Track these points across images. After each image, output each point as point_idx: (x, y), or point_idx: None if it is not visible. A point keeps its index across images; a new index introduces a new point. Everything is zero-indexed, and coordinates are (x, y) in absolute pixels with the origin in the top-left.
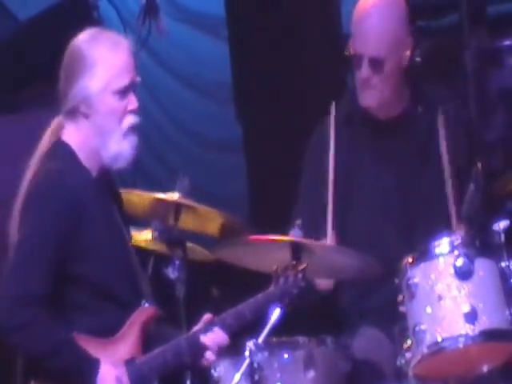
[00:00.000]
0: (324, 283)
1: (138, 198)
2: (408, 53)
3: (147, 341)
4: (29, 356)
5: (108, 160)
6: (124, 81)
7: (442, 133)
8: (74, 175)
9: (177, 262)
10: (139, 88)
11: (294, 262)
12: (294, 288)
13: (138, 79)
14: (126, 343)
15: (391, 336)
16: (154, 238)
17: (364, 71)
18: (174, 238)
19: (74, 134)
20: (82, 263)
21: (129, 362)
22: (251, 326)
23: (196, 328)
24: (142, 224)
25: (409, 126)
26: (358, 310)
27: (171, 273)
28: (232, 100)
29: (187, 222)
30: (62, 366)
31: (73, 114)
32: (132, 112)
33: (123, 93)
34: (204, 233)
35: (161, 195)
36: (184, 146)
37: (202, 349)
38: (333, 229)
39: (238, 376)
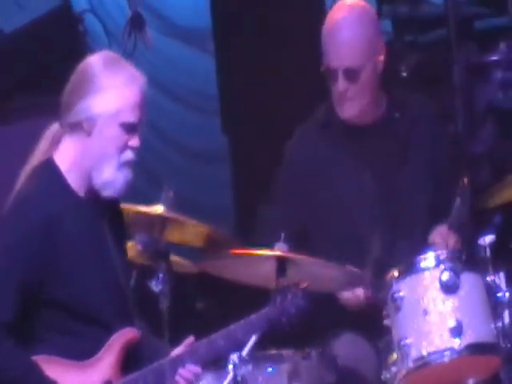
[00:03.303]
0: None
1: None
2: (381, 57)
3: (129, 363)
4: None
5: (98, 184)
6: (134, 117)
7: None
8: (53, 202)
9: (160, 275)
10: None
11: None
12: (291, 307)
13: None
14: (103, 366)
15: (375, 347)
16: (137, 251)
17: (341, 84)
18: (157, 250)
19: (69, 150)
20: (62, 288)
21: None
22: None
23: (174, 353)
24: None
25: (386, 130)
26: (340, 319)
27: (155, 286)
28: (218, 112)
29: (172, 234)
30: None
31: (75, 128)
32: (132, 149)
33: (130, 128)
34: (189, 245)
35: (145, 208)
36: (169, 157)
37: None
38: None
39: None
